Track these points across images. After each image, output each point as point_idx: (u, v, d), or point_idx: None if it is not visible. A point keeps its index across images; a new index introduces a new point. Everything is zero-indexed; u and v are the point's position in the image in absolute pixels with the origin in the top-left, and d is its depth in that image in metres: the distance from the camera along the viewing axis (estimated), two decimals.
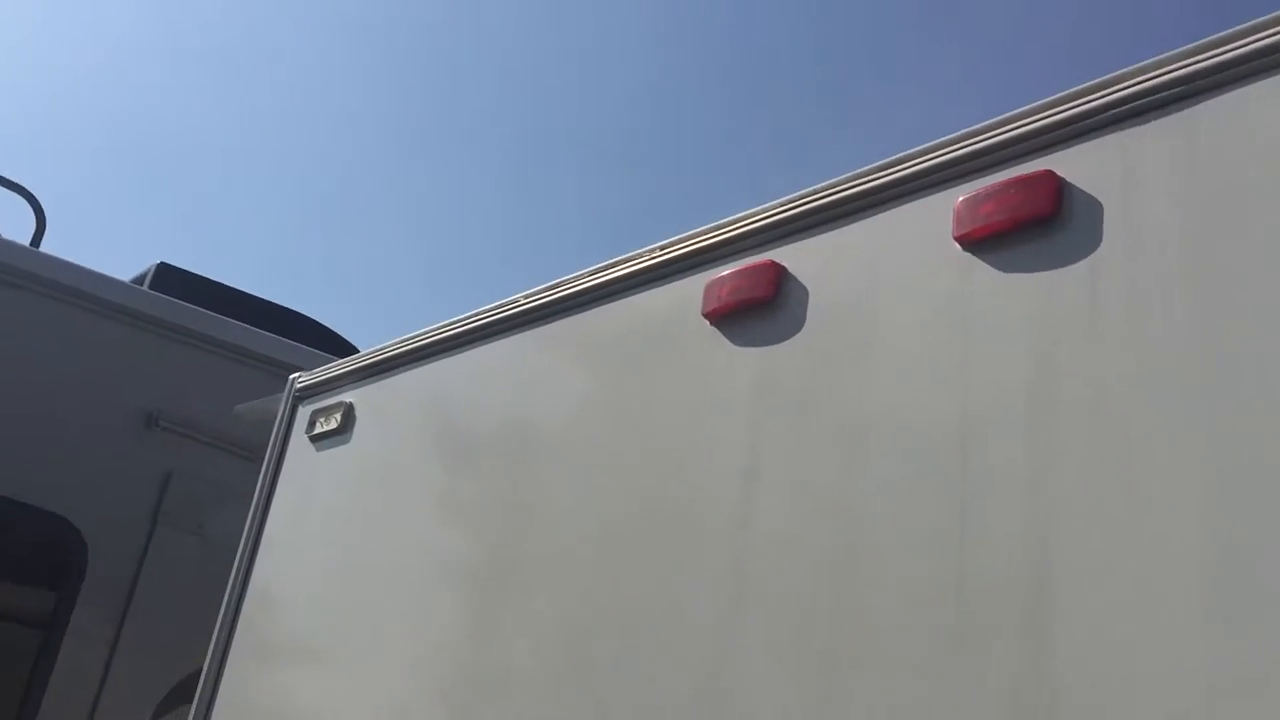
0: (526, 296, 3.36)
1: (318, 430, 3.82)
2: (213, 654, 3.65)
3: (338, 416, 3.77)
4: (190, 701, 5.61)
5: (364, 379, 3.79)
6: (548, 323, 3.28)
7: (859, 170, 2.71)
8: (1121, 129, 2.28)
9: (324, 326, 6.81)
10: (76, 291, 5.61)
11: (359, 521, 3.52)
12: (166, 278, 6.33)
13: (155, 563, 5.58)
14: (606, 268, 3.20)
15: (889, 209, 2.63)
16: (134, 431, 5.62)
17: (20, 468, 5.36)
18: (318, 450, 3.80)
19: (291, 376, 4.03)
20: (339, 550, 3.52)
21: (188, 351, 5.81)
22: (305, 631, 3.51)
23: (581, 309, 3.22)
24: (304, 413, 3.93)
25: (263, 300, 6.50)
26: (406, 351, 3.64)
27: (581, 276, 3.25)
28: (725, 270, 2.85)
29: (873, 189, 2.66)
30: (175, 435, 5.71)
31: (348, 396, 3.80)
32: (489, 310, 3.45)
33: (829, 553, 2.38)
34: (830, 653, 2.31)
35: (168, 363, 5.81)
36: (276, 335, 6.09)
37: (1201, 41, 2.21)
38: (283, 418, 3.97)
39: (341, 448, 3.72)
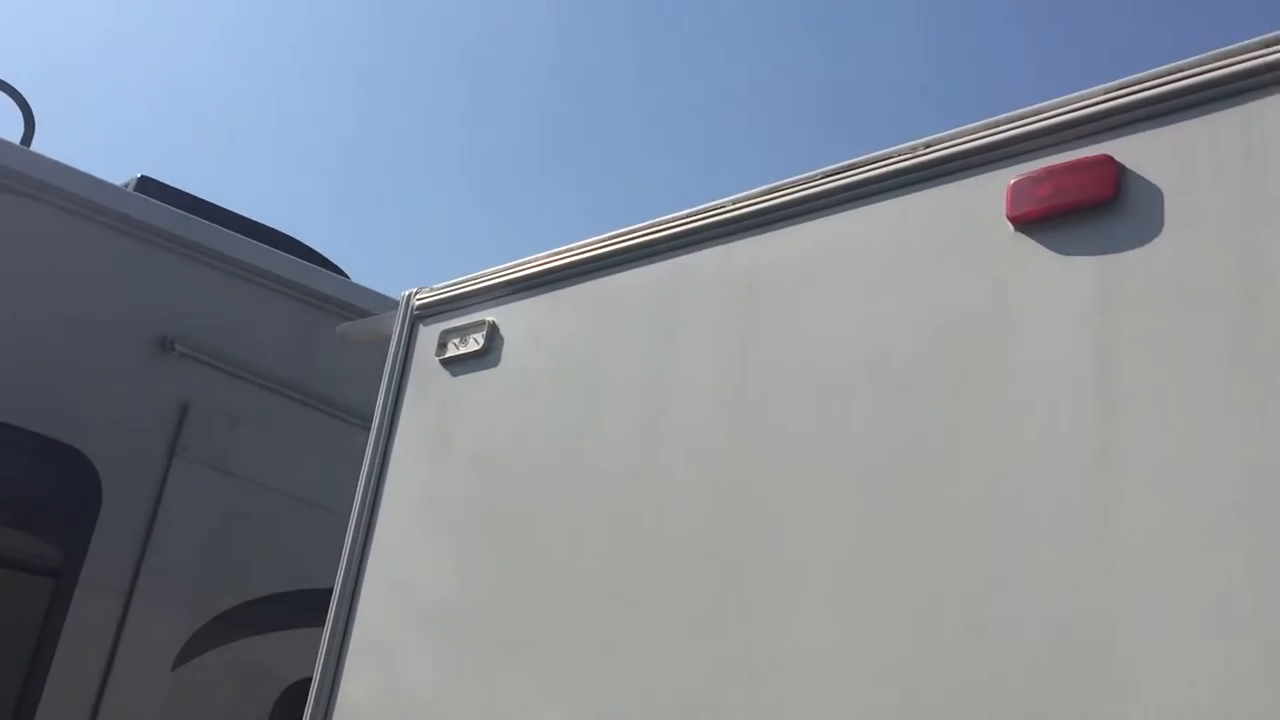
0: (738, 202, 2.97)
1: (451, 353, 3.39)
2: (332, 633, 3.22)
3: (479, 337, 3.34)
4: (214, 648, 5.19)
5: (508, 295, 3.37)
6: (766, 231, 2.90)
7: None
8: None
9: (315, 251, 6.29)
10: (80, 199, 5.07)
11: (515, 456, 3.11)
12: (148, 192, 5.75)
13: (174, 500, 5.08)
14: (849, 168, 2.83)
15: None
16: (147, 356, 5.13)
17: (24, 391, 4.82)
18: (453, 375, 3.37)
19: (407, 292, 3.59)
20: (491, 492, 3.12)
21: (205, 271, 5.30)
22: (449, 594, 3.09)
23: (813, 216, 2.84)
24: (428, 333, 3.49)
25: (251, 220, 5.96)
26: (570, 264, 3.22)
27: (814, 178, 2.87)
28: (1037, 166, 2.49)
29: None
30: (193, 361, 5.21)
31: (488, 315, 3.37)
32: (682, 217, 3.05)
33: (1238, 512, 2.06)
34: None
35: (183, 282, 5.30)
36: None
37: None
38: (400, 339, 3.52)
39: (487, 372, 3.30)
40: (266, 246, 5.47)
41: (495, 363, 3.31)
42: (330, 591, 5.45)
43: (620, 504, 2.87)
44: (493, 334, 3.34)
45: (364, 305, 5.52)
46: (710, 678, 2.56)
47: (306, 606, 5.26)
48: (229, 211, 5.80)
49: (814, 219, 2.85)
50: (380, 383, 3.51)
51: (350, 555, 3.32)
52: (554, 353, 3.20)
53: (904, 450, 2.48)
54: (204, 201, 5.77)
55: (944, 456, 2.40)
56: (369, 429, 5.41)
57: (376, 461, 3.40)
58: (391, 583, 3.24)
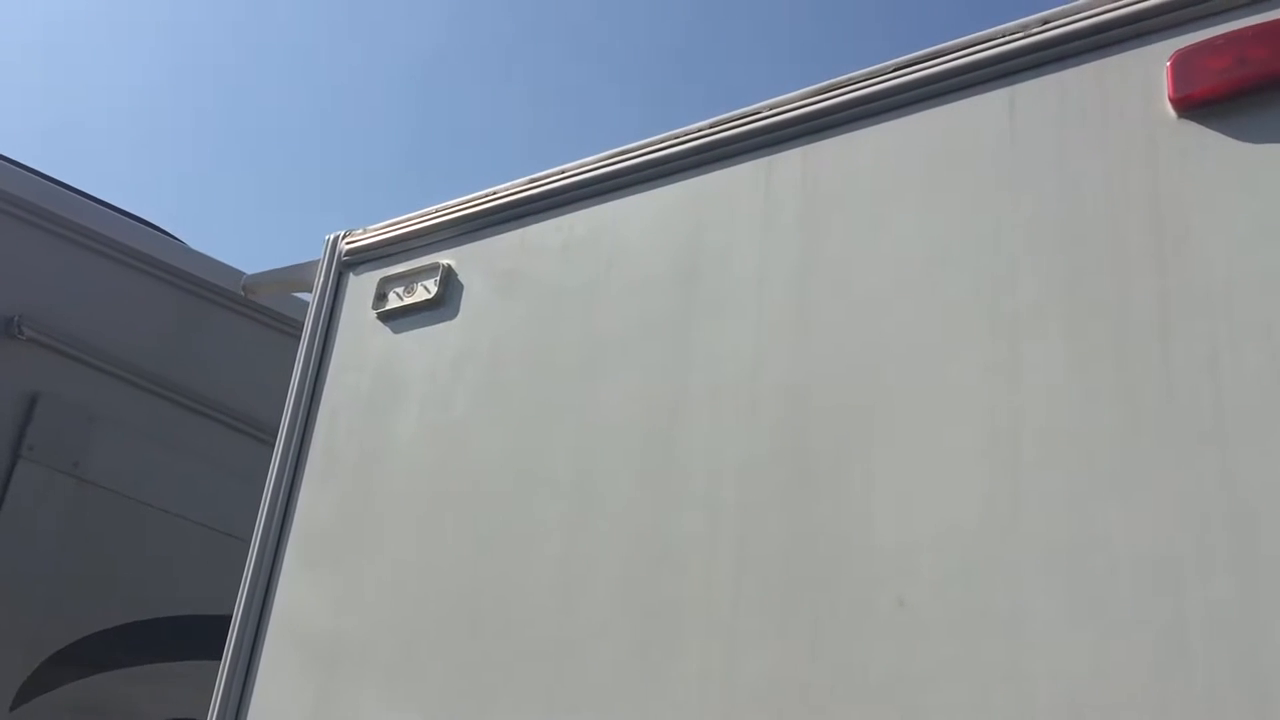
0: (778, 106, 2.36)
1: (393, 304, 2.71)
2: (232, 663, 2.51)
3: (430, 284, 2.67)
4: (62, 685, 4.37)
5: (469, 232, 2.71)
6: (822, 137, 2.30)
7: None
8: None
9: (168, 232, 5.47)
10: None
11: (481, 433, 2.45)
12: None
13: (15, 508, 4.26)
14: (929, 57, 2.24)
15: None
16: None
17: None
18: (395, 332, 2.69)
19: (332, 235, 2.90)
20: (448, 479, 2.45)
21: (60, 245, 4.51)
22: (388, 610, 2.41)
23: (881, 116, 2.25)
24: (361, 282, 2.81)
25: (106, 203, 5.14)
26: (555, 191, 2.58)
27: (882, 72, 2.27)
28: (1212, 34, 1.93)
29: None
30: (42, 347, 4.40)
31: (442, 257, 2.70)
32: (707, 128, 2.43)
33: None
34: None
35: (33, 256, 4.50)
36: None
37: None
38: (325, 291, 2.83)
39: (441, 327, 2.63)
40: (135, 221, 4.69)
41: (452, 314, 2.64)
42: (204, 620, 4.72)
43: (627, 495, 2.22)
44: (448, 279, 2.68)
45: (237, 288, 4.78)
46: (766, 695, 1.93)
47: (175, 636, 4.50)
48: (82, 193, 4.99)
49: (883, 120, 2.25)
50: (299, 345, 2.81)
51: (258, 560, 2.61)
52: (534, 299, 2.54)
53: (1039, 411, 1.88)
54: (48, 178, 4.95)
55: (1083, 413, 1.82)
56: (253, 433, 4.71)
57: (293, 442, 2.69)
58: (311, 596, 2.53)
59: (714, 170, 2.41)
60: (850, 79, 2.32)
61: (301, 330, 2.86)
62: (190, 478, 4.58)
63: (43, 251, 4.42)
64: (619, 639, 2.12)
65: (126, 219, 4.60)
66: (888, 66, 2.28)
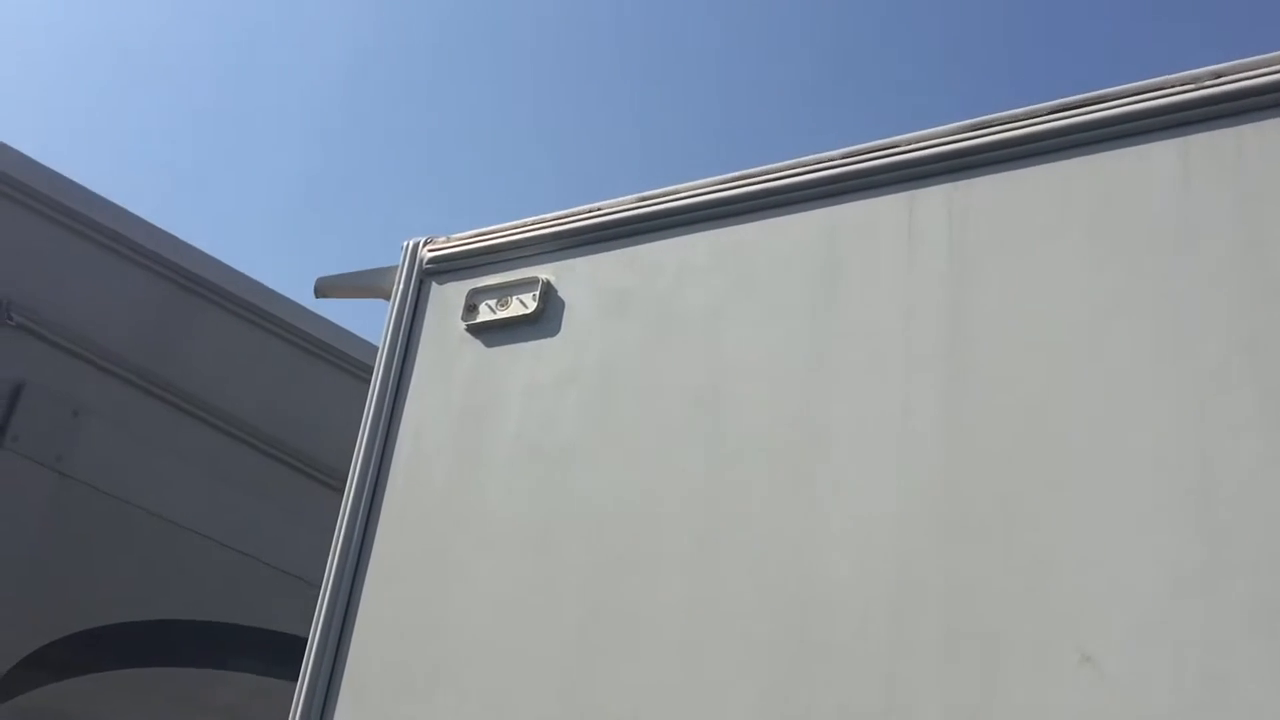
0: (922, 141, 2.32)
1: (485, 317, 2.62)
2: (310, 687, 2.40)
3: (528, 298, 2.58)
4: (35, 688, 4.19)
5: (571, 247, 2.63)
6: (972, 175, 2.26)
7: None
8: None
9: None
10: None
11: (589, 456, 2.38)
12: None
13: None
14: (1075, 106, 2.22)
15: None
16: None
17: None
18: (488, 346, 2.60)
19: (411, 241, 2.80)
20: (550, 502, 2.37)
21: (53, 230, 4.32)
22: (483, 636, 2.32)
23: (1038, 158, 2.22)
24: (446, 292, 2.71)
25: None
26: (675, 210, 2.51)
27: (1045, 111, 2.25)
28: None
29: None
30: (31, 335, 4.22)
31: (540, 272, 2.61)
32: (845, 156, 2.38)
33: None
34: None
35: (24, 238, 4.31)
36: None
37: None
38: (406, 299, 2.73)
39: (541, 344, 2.54)
40: (128, 210, 4.51)
41: (554, 331, 2.55)
42: (182, 625, 4.53)
43: (764, 533, 2.16)
44: (548, 295, 2.59)
45: (238, 291, 4.64)
46: None
47: (151, 642, 4.33)
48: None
49: (1040, 162, 2.22)
50: (379, 354, 2.70)
51: (336, 579, 2.49)
52: (649, 321, 2.47)
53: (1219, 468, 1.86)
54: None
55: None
56: (245, 438, 4.54)
57: (374, 456, 2.58)
58: (398, 620, 2.43)
59: (849, 201, 2.36)
60: (1001, 118, 2.29)
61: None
62: (176, 479, 4.43)
63: (37, 236, 4.24)
64: (758, 683, 2.06)
65: (123, 211, 4.42)
66: (1043, 109, 2.25)
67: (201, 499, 4.44)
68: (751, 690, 2.06)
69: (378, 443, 2.60)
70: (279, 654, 4.49)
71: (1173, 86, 2.15)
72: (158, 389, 4.39)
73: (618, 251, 2.57)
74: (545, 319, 2.56)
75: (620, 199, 2.61)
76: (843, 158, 2.39)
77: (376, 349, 4.82)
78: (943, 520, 2.03)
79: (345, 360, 4.64)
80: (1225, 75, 2.11)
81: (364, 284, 2.84)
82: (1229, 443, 1.88)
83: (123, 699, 4.36)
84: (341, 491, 4.66)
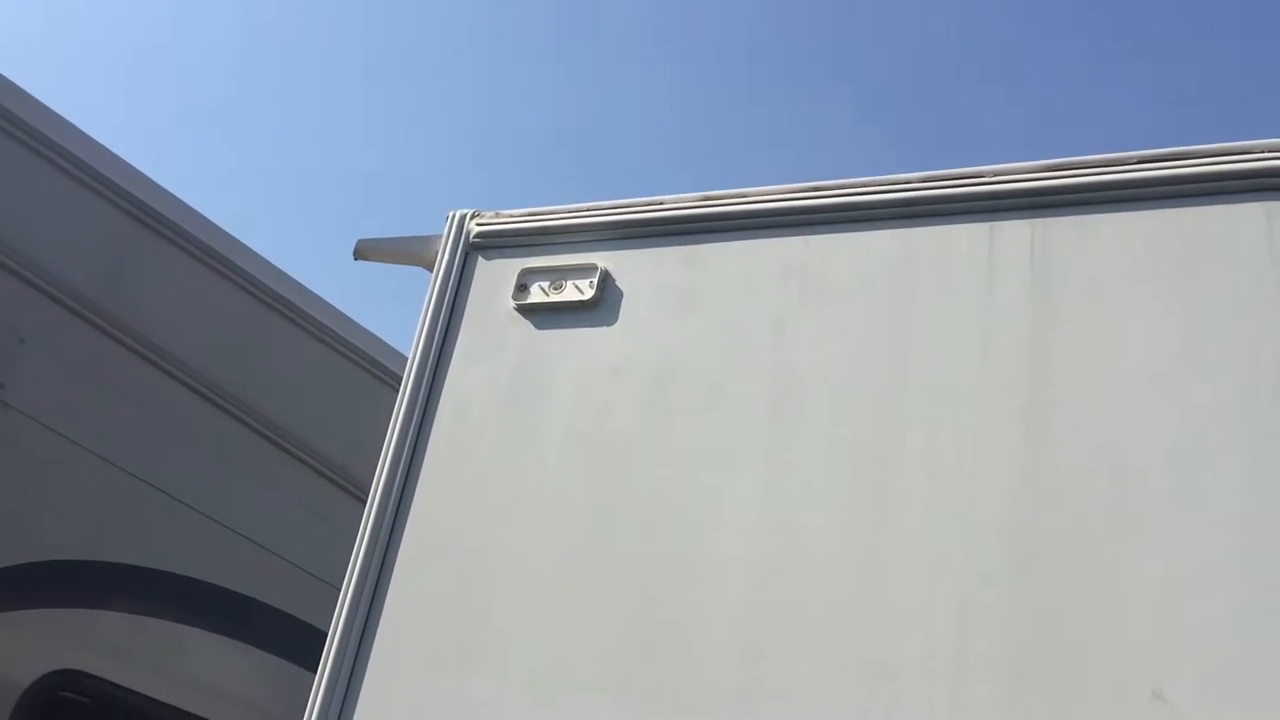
0: (1008, 174, 2.38)
1: (536, 298, 2.62)
2: (330, 681, 2.37)
3: (584, 285, 2.59)
4: None
5: (624, 238, 2.64)
6: (1048, 215, 2.33)
7: None
8: None
9: None
10: None
11: (646, 450, 2.39)
12: None
13: None
14: (1163, 159, 2.30)
15: None
16: None
17: None
18: (539, 328, 2.59)
19: (457, 213, 2.78)
20: (606, 490, 2.38)
21: (16, 149, 4.17)
22: (529, 633, 2.33)
23: (1123, 205, 2.30)
24: (494, 269, 2.70)
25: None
26: (743, 214, 2.53)
27: (1116, 162, 2.32)
28: None
29: None
30: None
31: (596, 259, 2.62)
32: (927, 180, 2.43)
33: None
34: None
35: None
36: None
37: None
38: (451, 271, 2.70)
39: (596, 331, 2.55)
40: (96, 140, 4.37)
41: (610, 320, 2.55)
42: (107, 567, 4.40)
43: (830, 545, 2.20)
44: (605, 283, 2.59)
45: (196, 231, 4.53)
46: None
47: (78, 581, 4.20)
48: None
49: (1124, 209, 2.30)
50: (419, 325, 2.67)
51: (368, 553, 2.46)
52: (711, 322, 2.48)
53: None
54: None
55: None
56: (189, 382, 4.42)
57: (412, 427, 2.55)
58: (435, 594, 2.41)
59: (927, 224, 2.41)
60: (1086, 161, 2.35)
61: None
62: (115, 418, 4.30)
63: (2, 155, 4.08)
64: (819, 696, 2.09)
65: (92, 140, 4.28)
66: (1130, 157, 2.32)
67: (141, 442, 4.33)
68: (811, 702, 2.09)
69: (416, 413, 2.57)
70: (201, 604, 4.41)
71: (1261, 152, 2.23)
72: (110, 325, 4.26)
73: (678, 248, 2.58)
74: (602, 307, 2.56)
75: (683, 195, 2.62)
76: (922, 181, 2.43)
77: (331, 308, 4.79)
78: (1014, 550, 2.09)
79: (304, 319, 4.56)
80: None
81: (405, 250, 2.80)
82: None
83: (37, 639, 4.23)
84: (280, 447, 4.60)
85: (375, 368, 4.77)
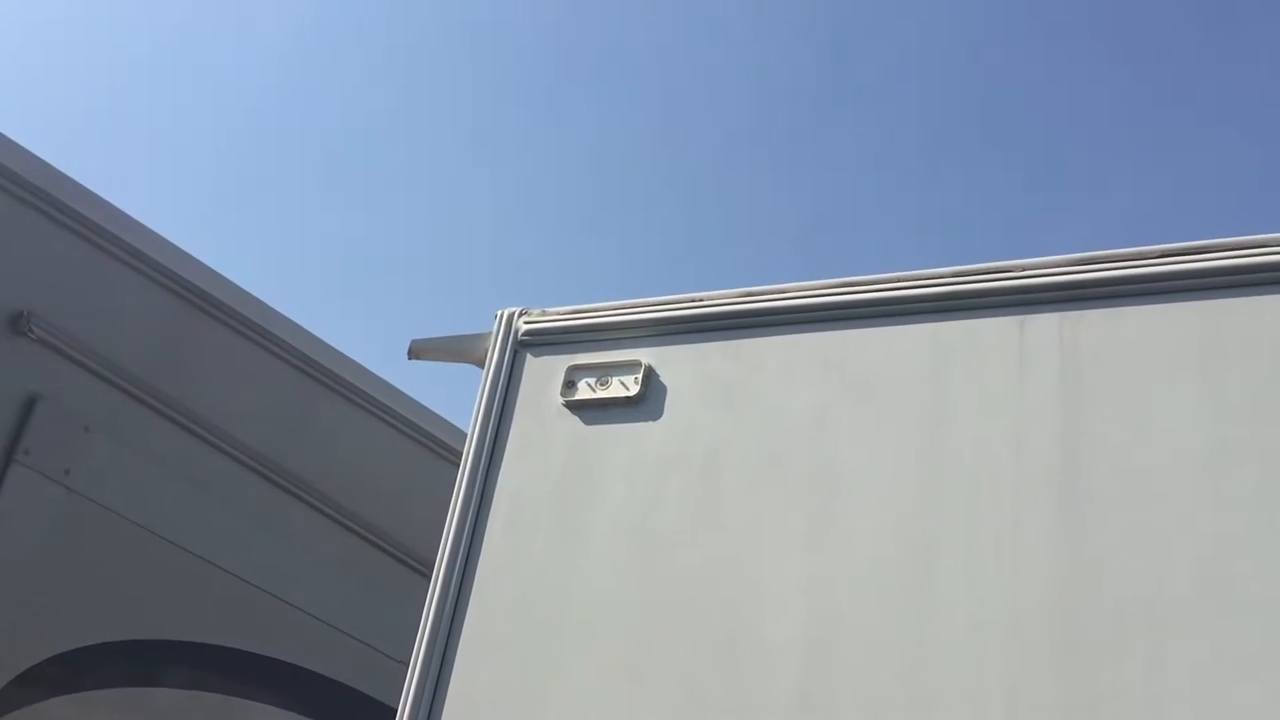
0: (1037, 268, 2.47)
1: (584, 394, 2.72)
2: None
3: (630, 381, 2.69)
4: (29, 704, 4.18)
5: (667, 334, 2.74)
6: (1076, 308, 2.42)
7: None
8: None
9: None
10: None
11: (692, 545, 2.49)
12: None
13: (7, 516, 4.06)
14: (1186, 252, 2.38)
15: None
16: None
17: None
18: (586, 423, 2.70)
19: (506, 311, 2.89)
20: (654, 588, 2.47)
21: (73, 241, 4.31)
22: (586, 700, 2.42)
23: (1150, 298, 2.38)
24: (543, 366, 2.80)
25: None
26: (781, 310, 2.63)
27: (1142, 255, 2.41)
28: None
29: None
30: (49, 348, 4.21)
31: (641, 356, 2.72)
32: (958, 274, 2.52)
33: None
34: None
35: (46, 249, 4.29)
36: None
37: None
38: (501, 368, 2.81)
39: (642, 426, 2.65)
40: (143, 223, 4.51)
41: (655, 415, 2.65)
42: (175, 645, 4.52)
43: (874, 635, 2.28)
44: (650, 379, 2.69)
45: (249, 314, 4.66)
46: None
47: (141, 660, 4.32)
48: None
49: (1151, 301, 2.38)
50: (473, 421, 2.78)
51: (428, 655, 2.56)
52: (754, 415, 2.58)
53: None
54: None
55: None
56: (250, 463, 4.54)
57: (468, 524, 2.66)
58: (490, 698, 2.51)
59: (958, 319, 2.50)
60: (1111, 255, 2.44)
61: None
62: (175, 497, 4.43)
63: (58, 248, 4.22)
64: None
65: (141, 225, 4.42)
66: (1154, 250, 2.41)
67: (202, 522, 4.45)
68: None
69: (471, 509, 2.67)
70: (263, 678, 4.53)
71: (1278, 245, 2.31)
72: (166, 407, 4.39)
73: (720, 343, 2.67)
74: (647, 402, 2.66)
75: (722, 291, 2.72)
76: (952, 276, 2.52)
77: (377, 379, 4.91)
78: (1057, 640, 2.17)
79: (349, 389, 4.69)
80: None
81: (457, 349, 2.91)
82: None
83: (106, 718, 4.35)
84: (336, 520, 4.71)
85: (429, 440, 4.88)
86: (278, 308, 4.67)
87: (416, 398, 4.99)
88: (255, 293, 4.61)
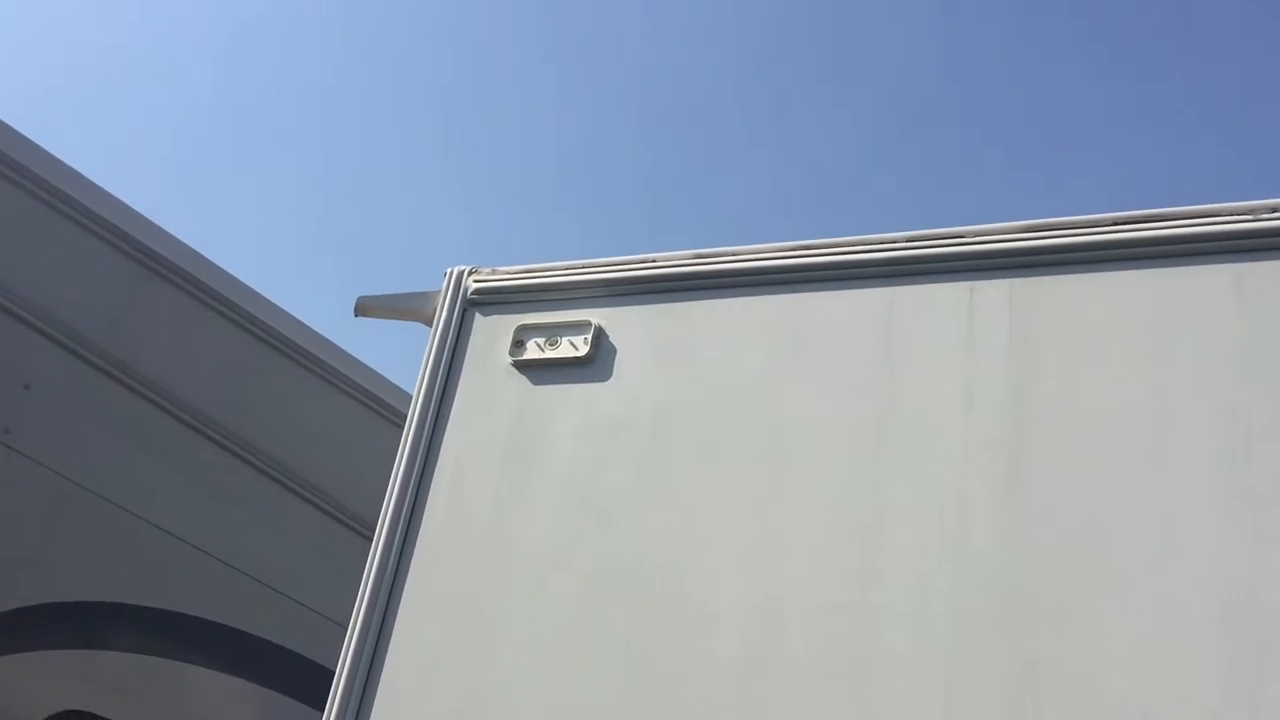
0: (985, 234, 2.47)
1: (533, 354, 2.70)
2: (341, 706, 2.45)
3: (579, 341, 2.67)
4: None
5: (617, 295, 2.71)
6: (1025, 275, 2.42)
7: None
8: None
9: None
10: None
11: (640, 504, 2.47)
12: None
13: None
14: (1135, 221, 2.38)
15: None
16: None
17: None
18: (534, 383, 2.67)
19: (455, 269, 2.86)
20: (601, 546, 2.46)
21: (14, 193, 4.24)
22: (528, 682, 2.40)
23: (1097, 266, 2.38)
24: (491, 325, 2.77)
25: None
26: (735, 272, 2.61)
27: (1091, 224, 2.40)
28: None
29: None
30: None
31: (590, 316, 2.70)
32: (911, 239, 2.52)
33: None
34: None
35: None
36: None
37: None
38: (449, 327, 2.78)
39: (591, 387, 2.63)
40: (95, 183, 4.44)
41: (604, 376, 2.63)
42: (114, 608, 4.46)
43: (819, 599, 2.27)
44: (599, 340, 2.67)
45: (202, 275, 4.61)
46: None
47: (87, 621, 4.28)
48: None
49: (1099, 270, 2.38)
50: (419, 379, 2.75)
51: (369, 612, 2.53)
52: (704, 378, 2.56)
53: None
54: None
55: None
56: (197, 425, 4.50)
57: (412, 482, 2.63)
58: (434, 651, 2.48)
59: (909, 283, 2.49)
60: (1061, 223, 2.43)
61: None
62: (122, 460, 4.38)
63: (12, 206, 4.16)
64: None
65: (98, 188, 4.36)
66: (1105, 219, 2.40)
67: (148, 484, 4.40)
68: None
69: (416, 469, 2.64)
70: (210, 643, 4.48)
71: (1228, 215, 2.31)
72: (112, 367, 4.34)
73: (671, 305, 2.65)
74: (596, 363, 2.64)
75: (674, 253, 2.70)
76: (906, 240, 2.51)
77: (325, 341, 4.85)
78: (996, 606, 2.16)
79: (306, 357, 4.64)
80: None
81: (404, 307, 2.88)
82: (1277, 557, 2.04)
83: (44, 681, 4.30)
84: (284, 485, 4.66)
85: (377, 404, 4.84)
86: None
87: (372, 363, 4.97)
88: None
